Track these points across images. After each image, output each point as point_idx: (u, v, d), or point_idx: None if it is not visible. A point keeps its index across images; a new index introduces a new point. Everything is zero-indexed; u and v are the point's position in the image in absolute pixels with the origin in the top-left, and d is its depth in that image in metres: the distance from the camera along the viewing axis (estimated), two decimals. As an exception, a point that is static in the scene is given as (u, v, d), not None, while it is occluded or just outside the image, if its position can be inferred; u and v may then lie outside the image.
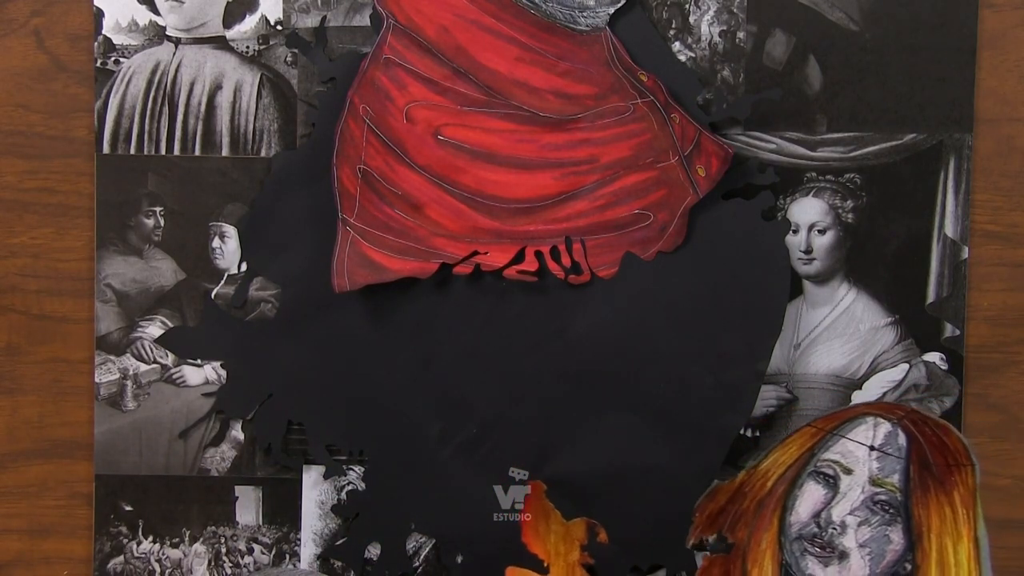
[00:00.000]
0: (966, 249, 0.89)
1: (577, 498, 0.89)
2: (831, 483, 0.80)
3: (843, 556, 0.80)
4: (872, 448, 0.80)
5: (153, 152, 0.91)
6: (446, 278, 0.88)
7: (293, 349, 0.90)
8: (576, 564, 0.82)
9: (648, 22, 0.89)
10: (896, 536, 0.80)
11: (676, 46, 0.89)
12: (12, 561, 0.92)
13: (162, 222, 0.91)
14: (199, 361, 0.91)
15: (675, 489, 0.87)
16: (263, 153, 0.90)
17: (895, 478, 0.80)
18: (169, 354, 0.91)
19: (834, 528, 0.80)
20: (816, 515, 0.80)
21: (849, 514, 0.80)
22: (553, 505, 0.80)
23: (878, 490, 0.80)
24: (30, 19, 0.90)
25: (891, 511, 0.80)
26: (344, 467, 0.90)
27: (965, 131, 0.89)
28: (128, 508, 0.91)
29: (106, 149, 0.90)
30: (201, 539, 0.92)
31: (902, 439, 0.81)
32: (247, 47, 0.90)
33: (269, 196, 0.90)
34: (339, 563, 0.91)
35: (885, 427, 0.81)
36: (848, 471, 0.80)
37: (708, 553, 0.81)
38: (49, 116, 0.91)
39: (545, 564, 0.82)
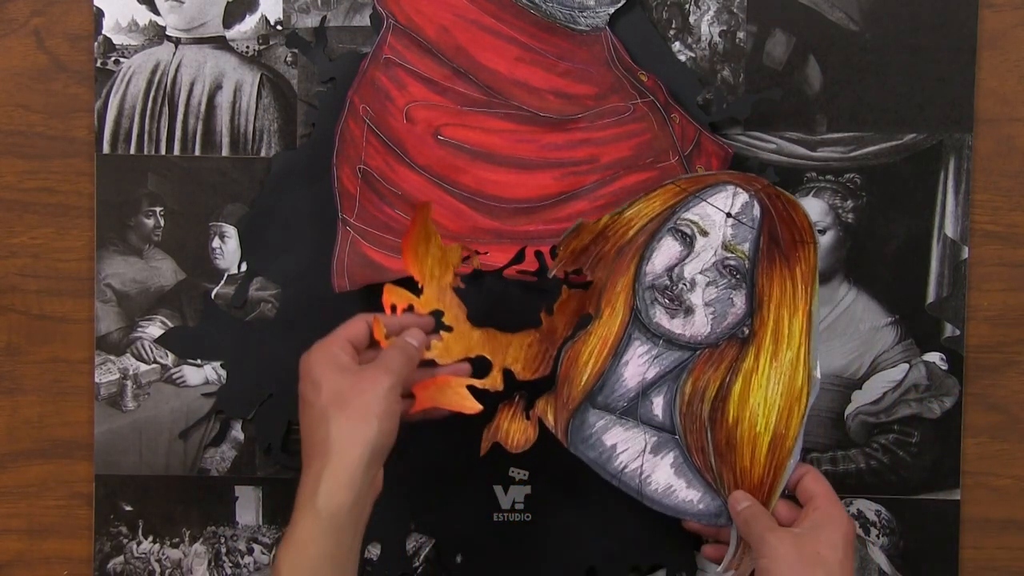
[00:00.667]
0: (966, 249, 0.89)
1: (576, 497, 0.89)
2: (687, 241, 0.84)
3: (688, 311, 0.84)
4: (728, 215, 0.83)
5: (153, 152, 0.91)
6: (446, 278, 0.89)
7: (293, 349, 0.90)
8: (448, 287, 0.84)
9: (648, 22, 0.89)
10: (739, 300, 0.84)
11: (676, 46, 0.89)
12: (12, 561, 0.92)
13: (162, 222, 0.91)
14: (199, 361, 0.91)
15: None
16: (263, 153, 0.90)
17: (745, 246, 0.83)
18: (169, 354, 0.91)
19: (684, 284, 0.83)
20: (669, 269, 0.84)
21: (699, 273, 0.84)
22: (434, 228, 0.82)
23: (729, 255, 0.83)
24: (30, 19, 0.90)
25: (738, 276, 0.83)
26: (344, 467, 0.90)
27: (965, 131, 0.89)
28: (128, 508, 0.91)
29: (106, 149, 0.90)
30: (201, 539, 0.92)
31: (756, 210, 0.84)
32: (247, 47, 0.90)
33: (269, 196, 0.90)
34: (339, 563, 0.91)
35: (743, 197, 0.83)
36: (704, 233, 0.83)
37: (566, 287, 0.85)
38: (49, 116, 0.91)
39: (420, 285, 0.83)
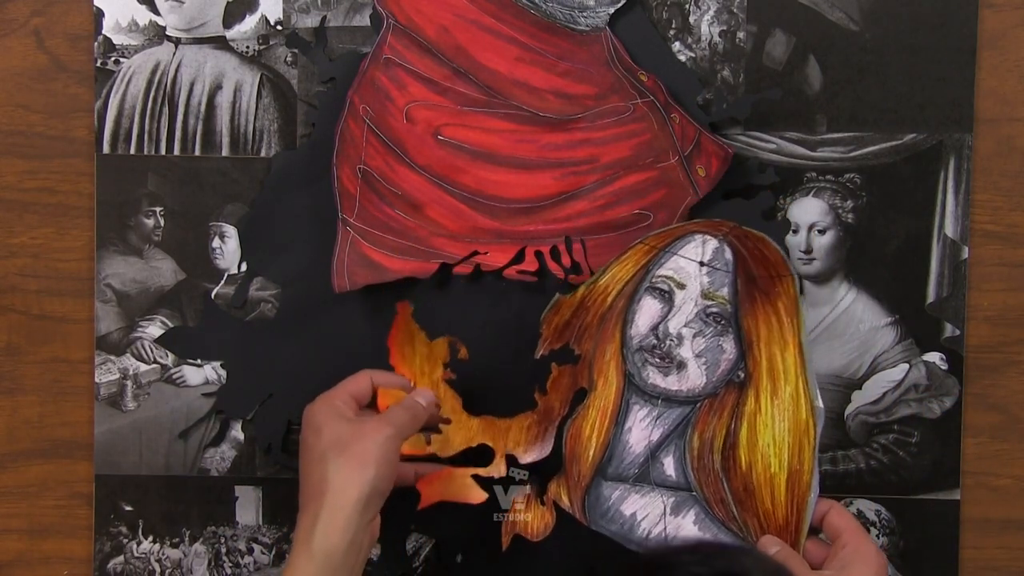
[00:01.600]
0: (966, 249, 0.89)
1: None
2: (666, 297, 0.84)
3: (681, 366, 0.84)
4: (702, 263, 0.84)
5: (153, 152, 0.90)
6: (446, 278, 0.88)
7: (293, 349, 0.90)
8: (440, 380, 0.87)
9: (648, 22, 0.89)
10: (728, 346, 0.84)
11: (676, 46, 0.89)
12: (12, 561, 0.92)
13: (162, 222, 0.91)
14: (199, 361, 0.91)
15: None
16: (263, 153, 0.90)
17: (724, 291, 0.84)
18: (169, 354, 0.91)
19: (671, 340, 0.84)
20: (654, 328, 0.84)
21: (684, 326, 0.84)
22: (418, 327, 0.85)
23: (709, 303, 0.84)
24: (30, 19, 0.90)
25: (722, 322, 0.84)
26: (344, 467, 0.90)
27: (965, 131, 0.89)
28: (128, 508, 0.91)
29: (106, 149, 0.90)
30: (201, 539, 0.92)
31: (728, 254, 0.84)
32: (247, 47, 0.90)
33: (269, 196, 0.90)
34: (339, 563, 0.91)
35: (712, 243, 0.84)
36: (681, 286, 0.84)
37: (556, 364, 0.86)
38: (49, 116, 0.91)
39: (412, 384, 0.86)
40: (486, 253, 0.88)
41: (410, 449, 0.86)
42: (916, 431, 0.89)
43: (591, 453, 0.85)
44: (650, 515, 0.85)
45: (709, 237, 0.84)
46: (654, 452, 0.85)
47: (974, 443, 0.90)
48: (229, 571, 0.92)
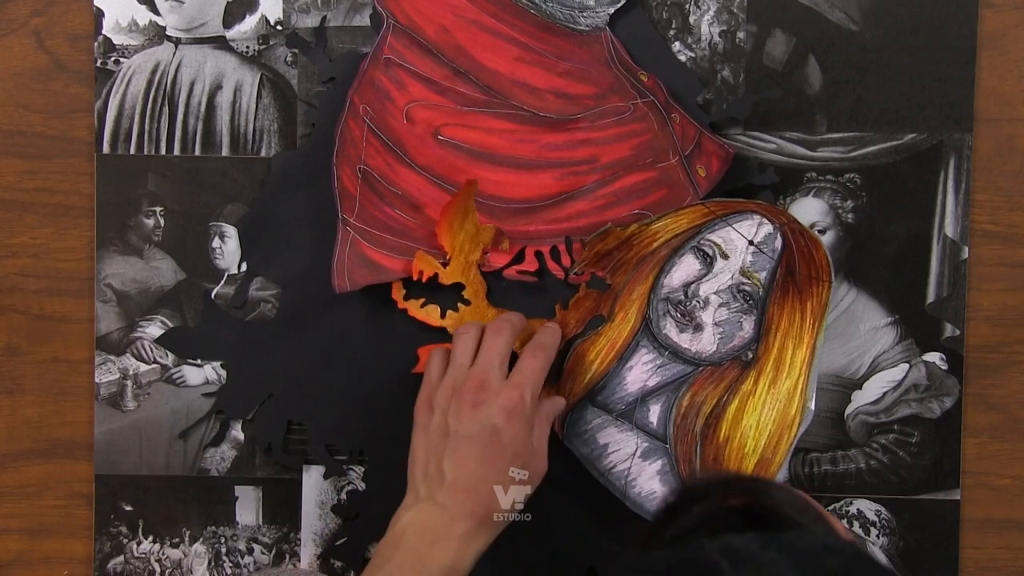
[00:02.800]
0: (966, 249, 0.89)
1: (576, 497, 0.89)
2: (707, 261, 0.86)
3: (698, 328, 0.87)
4: (751, 242, 0.86)
5: (153, 152, 0.90)
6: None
7: (293, 349, 0.90)
8: (474, 263, 0.87)
9: (648, 22, 0.89)
10: (747, 325, 0.86)
11: (676, 46, 0.89)
12: (12, 561, 0.92)
13: (162, 222, 0.91)
14: (199, 361, 0.91)
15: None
16: (263, 153, 0.90)
17: (762, 275, 0.86)
18: (169, 354, 0.91)
19: (697, 301, 0.86)
20: (686, 285, 0.87)
21: (714, 293, 0.86)
22: (474, 207, 0.86)
23: (745, 280, 0.86)
24: (30, 19, 0.90)
25: (750, 302, 0.86)
26: (344, 467, 0.90)
27: (965, 131, 0.89)
28: (128, 508, 0.91)
29: (106, 149, 0.90)
30: (201, 539, 0.92)
31: (779, 243, 0.86)
32: (247, 47, 0.90)
33: (269, 196, 0.90)
34: (339, 563, 0.91)
35: (767, 227, 0.86)
36: (725, 256, 0.86)
37: (586, 285, 0.88)
38: (49, 116, 0.91)
39: (448, 257, 0.87)
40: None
41: (423, 316, 0.88)
42: (916, 431, 0.89)
43: (588, 376, 0.87)
44: (621, 451, 0.87)
45: (766, 221, 0.86)
46: (645, 396, 0.87)
47: (974, 443, 0.90)
48: (229, 571, 0.92)
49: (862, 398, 0.89)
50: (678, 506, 0.61)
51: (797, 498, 0.63)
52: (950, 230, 0.89)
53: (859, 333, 0.89)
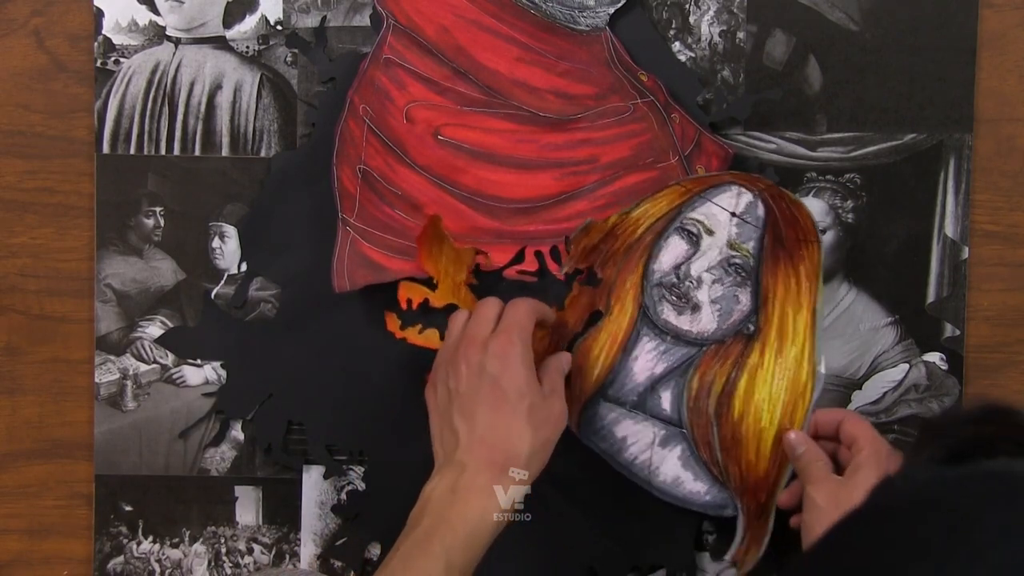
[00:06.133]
0: (966, 249, 0.89)
1: (576, 497, 0.89)
2: (693, 240, 0.86)
3: (695, 308, 0.86)
4: (733, 214, 0.85)
5: (153, 152, 0.90)
6: (446, 278, 0.89)
7: (293, 349, 0.90)
8: (462, 284, 0.87)
9: (648, 22, 0.89)
10: (744, 298, 0.86)
11: (676, 46, 0.89)
12: (12, 561, 0.92)
13: (162, 222, 0.91)
14: (199, 361, 0.91)
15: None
16: (263, 153, 0.90)
17: (750, 245, 0.86)
18: (169, 354, 0.91)
19: (690, 281, 0.86)
20: (676, 267, 0.86)
21: (705, 271, 0.86)
22: (446, 233, 0.86)
23: (734, 253, 0.85)
24: (30, 19, 0.90)
25: (743, 274, 0.86)
26: (344, 467, 0.90)
27: (965, 131, 0.89)
28: (128, 508, 0.91)
29: (106, 149, 0.90)
30: (201, 539, 0.92)
31: (760, 210, 0.86)
32: (247, 47, 0.90)
33: (269, 196, 0.90)
34: (339, 563, 0.91)
35: (747, 197, 0.86)
36: (710, 232, 0.86)
37: (578, 283, 0.88)
38: (49, 116, 0.91)
39: (434, 281, 0.88)
40: (486, 254, 0.88)
41: (423, 342, 0.88)
42: (916, 431, 0.89)
43: (596, 372, 0.87)
44: (639, 442, 0.87)
45: (744, 190, 0.86)
46: (654, 384, 0.87)
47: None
48: (229, 571, 0.92)
49: (862, 398, 0.89)
50: (939, 435, 0.59)
51: None
52: (950, 230, 0.89)
53: (859, 333, 0.89)
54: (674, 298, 0.86)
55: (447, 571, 0.72)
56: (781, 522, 0.85)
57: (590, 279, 0.87)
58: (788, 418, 0.85)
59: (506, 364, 0.77)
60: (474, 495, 0.75)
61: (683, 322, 0.86)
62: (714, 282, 0.86)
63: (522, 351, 0.78)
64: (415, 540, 0.73)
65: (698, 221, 0.86)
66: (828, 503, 0.78)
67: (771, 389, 0.85)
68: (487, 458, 0.75)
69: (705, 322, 0.86)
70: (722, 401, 0.86)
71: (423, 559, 0.72)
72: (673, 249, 0.86)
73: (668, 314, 0.86)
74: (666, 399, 0.87)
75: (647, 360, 0.87)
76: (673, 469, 0.87)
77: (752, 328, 0.86)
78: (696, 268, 0.86)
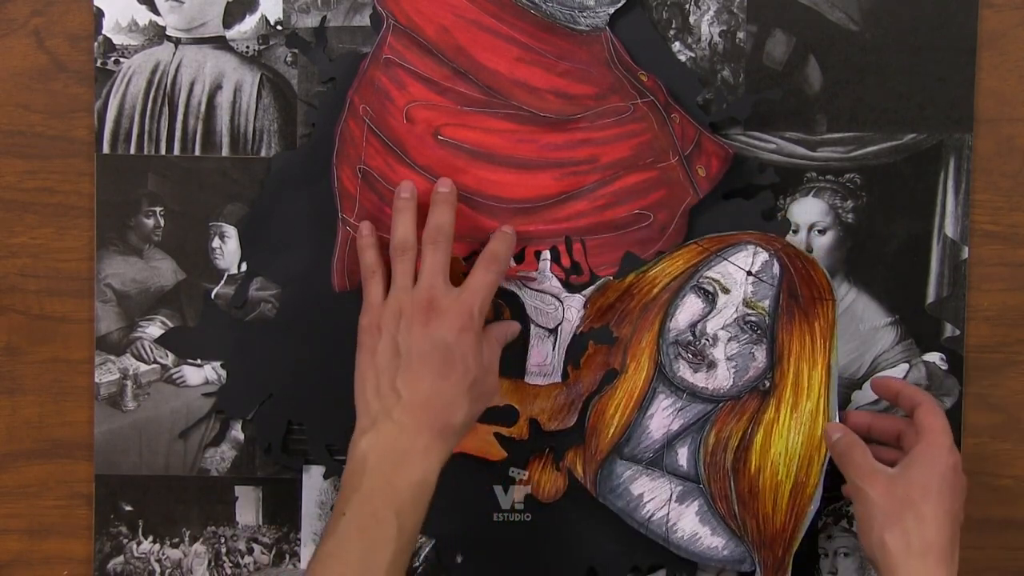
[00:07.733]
0: (966, 249, 0.89)
1: (576, 498, 0.89)
2: (709, 299, 0.87)
3: (711, 365, 0.87)
4: (749, 273, 0.86)
5: (153, 152, 0.91)
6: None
7: (293, 349, 0.90)
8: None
9: (648, 22, 0.89)
10: (760, 355, 0.87)
11: (676, 46, 0.89)
12: (12, 561, 0.92)
13: (162, 222, 0.91)
14: (199, 361, 0.91)
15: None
16: (263, 153, 0.90)
17: (766, 303, 0.87)
18: (169, 354, 0.91)
19: (707, 339, 0.87)
20: (692, 325, 0.87)
21: (721, 329, 0.87)
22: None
23: (749, 311, 0.86)
24: (30, 19, 0.90)
25: (758, 332, 0.87)
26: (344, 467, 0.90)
27: (965, 131, 0.89)
28: (128, 508, 0.91)
29: (106, 149, 0.90)
30: (201, 539, 0.92)
31: (776, 268, 0.87)
32: (247, 47, 0.90)
33: (269, 196, 0.90)
34: (339, 563, 0.91)
35: (763, 256, 0.87)
36: (726, 290, 0.87)
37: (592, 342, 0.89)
38: (49, 116, 0.91)
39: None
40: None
41: None
42: (916, 431, 0.89)
43: (611, 431, 0.88)
44: (656, 498, 0.87)
45: (760, 249, 0.87)
46: (671, 441, 0.88)
47: (974, 443, 0.90)
48: (229, 571, 0.92)
49: (862, 398, 0.89)
50: None
51: None
52: (950, 230, 0.89)
53: (859, 333, 0.89)
54: (690, 356, 0.87)
55: (400, 534, 0.74)
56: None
57: (603, 337, 0.88)
58: (804, 471, 0.86)
59: (462, 337, 0.79)
60: (417, 458, 0.77)
61: (699, 379, 0.87)
62: (730, 340, 0.87)
63: (478, 325, 0.80)
64: (363, 506, 0.75)
65: (714, 280, 0.87)
66: (884, 498, 0.77)
67: (787, 443, 0.86)
68: (427, 422, 0.77)
69: (721, 379, 0.87)
70: (739, 456, 0.87)
71: (377, 528, 0.74)
72: (689, 307, 0.87)
73: (684, 371, 0.87)
74: (683, 455, 0.88)
75: (663, 417, 0.88)
76: (691, 525, 0.87)
77: (768, 384, 0.87)
78: (712, 326, 0.87)
